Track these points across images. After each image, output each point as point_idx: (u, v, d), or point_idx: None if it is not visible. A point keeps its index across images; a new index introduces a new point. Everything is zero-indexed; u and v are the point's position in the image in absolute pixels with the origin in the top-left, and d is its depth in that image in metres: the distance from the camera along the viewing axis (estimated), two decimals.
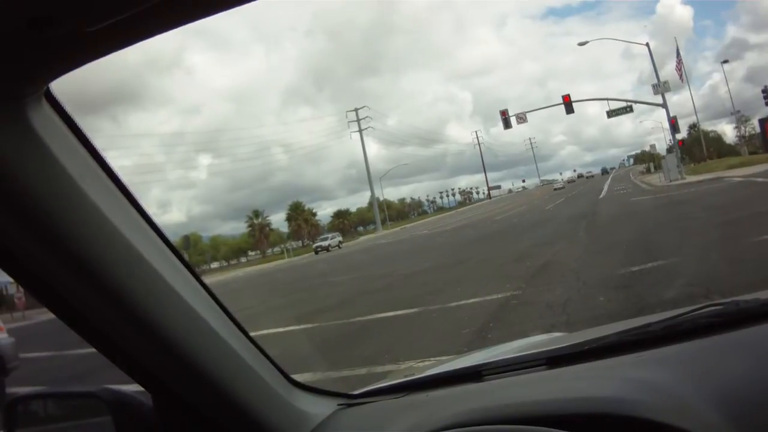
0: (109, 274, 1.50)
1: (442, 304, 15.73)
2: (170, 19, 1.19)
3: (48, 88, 1.36)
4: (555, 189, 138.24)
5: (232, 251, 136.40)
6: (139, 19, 1.13)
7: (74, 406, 2.16)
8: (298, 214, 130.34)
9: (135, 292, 1.56)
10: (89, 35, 1.14)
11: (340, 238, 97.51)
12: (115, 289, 1.52)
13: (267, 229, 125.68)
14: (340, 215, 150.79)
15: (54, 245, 1.41)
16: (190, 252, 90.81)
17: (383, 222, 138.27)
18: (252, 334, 2.00)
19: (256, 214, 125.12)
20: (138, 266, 1.56)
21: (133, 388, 1.87)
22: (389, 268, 30.74)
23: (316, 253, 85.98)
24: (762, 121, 74.37)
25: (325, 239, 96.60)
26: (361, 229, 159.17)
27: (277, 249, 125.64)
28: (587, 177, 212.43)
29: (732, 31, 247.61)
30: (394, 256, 40.72)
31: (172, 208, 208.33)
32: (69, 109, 1.42)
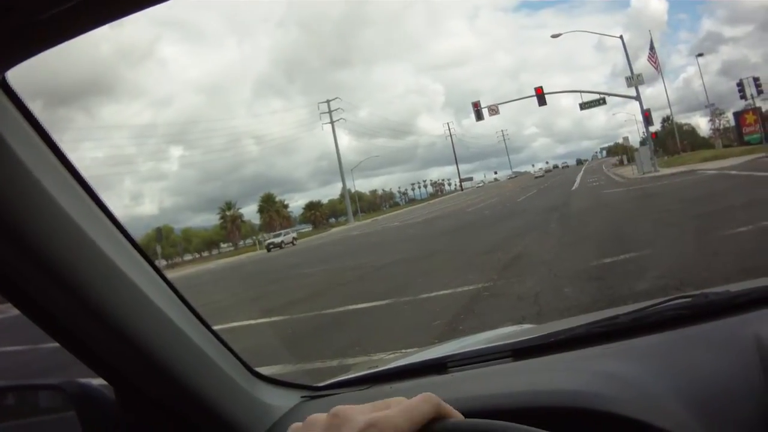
0: (67, 266, 1.47)
1: (413, 295, 15.79)
2: (130, 2, 1.17)
3: (4, 77, 1.33)
4: (535, 177, 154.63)
5: (204, 243, 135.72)
6: (97, 2, 1.11)
7: (37, 398, 2.14)
8: (270, 206, 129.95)
9: (93, 285, 1.54)
10: (45, 21, 1.12)
11: (295, 235, 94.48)
12: (74, 281, 1.49)
13: (239, 221, 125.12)
14: (312, 207, 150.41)
15: (9, 238, 1.38)
16: (163, 244, 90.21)
17: (355, 214, 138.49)
18: (224, 326, 2.01)
19: (228, 206, 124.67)
20: (96, 259, 1.54)
21: (99, 381, 1.85)
22: (361, 259, 30.80)
23: (269, 250, 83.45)
24: (737, 115, 74.87)
25: (278, 235, 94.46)
26: (333, 220, 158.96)
27: (249, 241, 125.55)
28: (563, 167, 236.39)
29: (707, 25, 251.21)
30: (366, 247, 40.75)
31: (144, 200, 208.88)
32: (26, 99, 1.39)
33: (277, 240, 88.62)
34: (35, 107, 1.41)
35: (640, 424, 1.47)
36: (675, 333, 1.95)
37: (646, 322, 2.08)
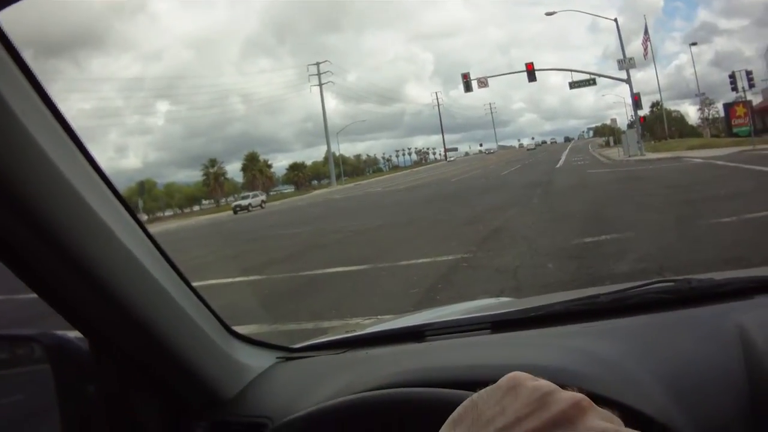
0: (48, 215, 1.44)
1: (391, 262, 15.81)
2: None
3: None
4: (528, 150, 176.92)
5: (187, 199, 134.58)
6: None
7: (11, 349, 2.12)
8: (254, 165, 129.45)
9: (74, 235, 1.51)
10: None
11: (263, 198, 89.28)
12: (54, 230, 1.47)
13: (222, 178, 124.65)
14: (296, 168, 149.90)
15: None
16: (144, 198, 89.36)
17: (338, 177, 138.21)
18: (200, 283, 1.98)
19: (212, 162, 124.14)
20: (78, 208, 1.51)
21: (75, 333, 1.84)
22: (341, 223, 30.74)
23: (235, 212, 78.25)
24: (727, 106, 74.86)
25: (246, 197, 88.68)
26: (315, 183, 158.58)
27: (231, 198, 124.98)
28: (551, 143, 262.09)
29: (703, 15, 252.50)
30: (347, 211, 40.70)
31: (129, 153, 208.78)
32: (16, 42, 1.36)
33: (244, 202, 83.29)
34: (25, 56, 1.38)
35: (619, 405, 1.46)
36: (656, 316, 1.95)
37: (628, 303, 2.08)
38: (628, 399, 1.52)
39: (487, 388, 0.99)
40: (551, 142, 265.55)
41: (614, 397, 1.50)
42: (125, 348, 1.80)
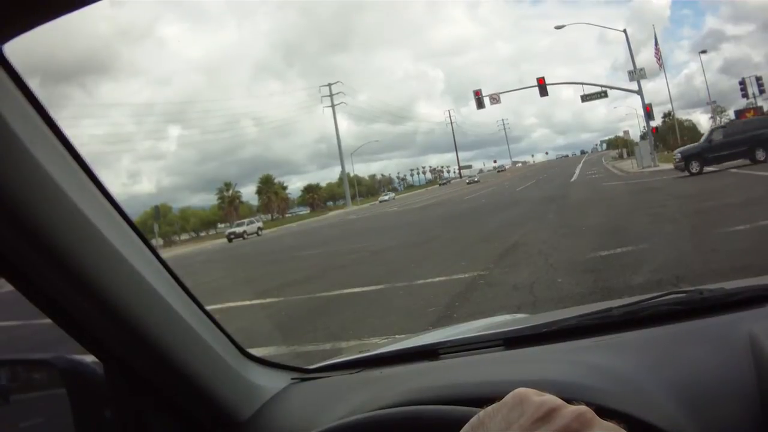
0: (61, 242, 1.46)
1: (408, 281, 15.76)
2: None
3: (1, 50, 1.31)
4: (556, 158, 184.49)
5: (202, 223, 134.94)
6: None
7: (27, 373, 2.14)
8: (269, 188, 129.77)
9: (87, 261, 1.52)
10: None
11: (260, 224, 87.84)
12: (67, 257, 1.48)
13: (237, 201, 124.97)
14: (310, 190, 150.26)
15: (3, 213, 1.37)
16: (160, 223, 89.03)
17: (353, 198, 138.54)
18: (217, 306, 1.99)
19: (227, 186, 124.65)
20: (91, 235, 1.53)
21: (89, 357, 1.85)
22: (357, 244, 30.78)
23: (230, 240, 77.37)
24: (738, 113, 74.62)
25: (241, 224, 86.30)
26: (330, 204, 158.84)
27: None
28: (572, 156, 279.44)
29: (710, 22, 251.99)
30: (363, 232, 40.76)
31: (142, 178, 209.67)
32: (23, 73, 1.37)
33: (239, 230, 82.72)
34: (33, 83, 1.39)
35: (630, 418, 1.47)
36: (668, 328, 1.95)
37: (639, 316, 2.08)
38: (638, 411, 1.51)
39: (494, 404, 1.00)
40: (572, 155, 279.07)
41: (623, 410, 1.51)
42: (139, 371, 1.82)
